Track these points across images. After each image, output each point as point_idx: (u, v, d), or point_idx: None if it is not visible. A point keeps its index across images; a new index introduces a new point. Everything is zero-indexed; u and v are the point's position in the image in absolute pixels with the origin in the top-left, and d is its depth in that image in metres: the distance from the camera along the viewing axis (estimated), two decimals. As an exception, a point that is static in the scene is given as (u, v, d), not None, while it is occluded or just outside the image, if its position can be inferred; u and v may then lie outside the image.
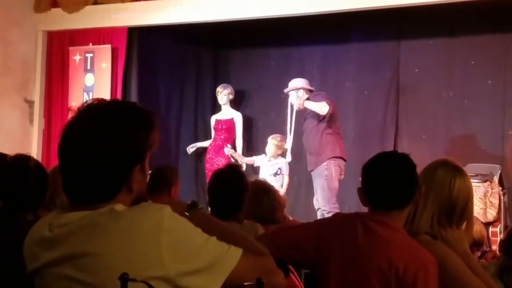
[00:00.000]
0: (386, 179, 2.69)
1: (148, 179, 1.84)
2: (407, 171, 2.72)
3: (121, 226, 1.66)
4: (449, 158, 3.09)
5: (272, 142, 8.18)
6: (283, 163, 8.19)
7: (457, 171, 2.94)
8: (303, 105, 7.70)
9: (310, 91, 7.88)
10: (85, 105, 1.80)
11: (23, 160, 3.21)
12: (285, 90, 7.97)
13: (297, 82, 7.96)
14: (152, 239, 1.64)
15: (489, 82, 8.16)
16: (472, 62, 8.26)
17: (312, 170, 7.72)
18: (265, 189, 4.24)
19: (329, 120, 7.57)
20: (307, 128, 7.76)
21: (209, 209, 3.67)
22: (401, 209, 2.71)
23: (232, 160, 8.57)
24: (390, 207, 2.69)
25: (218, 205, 3.59)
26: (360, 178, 2.79)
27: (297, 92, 7.86)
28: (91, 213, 1.69)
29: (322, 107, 7.51)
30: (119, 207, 1.70)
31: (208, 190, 3.72)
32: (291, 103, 7.94)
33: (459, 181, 2.89)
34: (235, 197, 3.60)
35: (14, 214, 2.99)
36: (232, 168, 3.98)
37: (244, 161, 8.54)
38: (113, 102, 1.88)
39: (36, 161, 3.30)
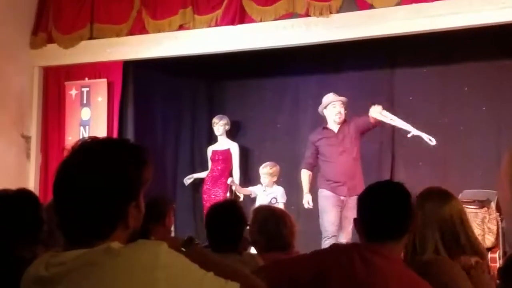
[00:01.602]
0: (381, 210, 2.69)
1: (143, 214, 1.85)
2: (402, 201, 2.72)
3: (117, 264, 1.66)
4: (433, 186, 3.13)
5: (264, 172, 8.18)
6: (279, 191, 8.20)
7: (443, 199, 2.97)
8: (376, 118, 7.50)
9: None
10: (78, 143, 1.82)
11: (18, 195, 3.21)
12: (333, 100, 7.85)
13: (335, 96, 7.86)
14: (149, 276, 1.65)
15: (484, 108, 8.20)
16: (466, 89, 8.31)
17: (348, 196, 7.45)
18: (282, 215, 4.21)
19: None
20: (347, 148, 7.64)
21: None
22: (398, 239, 2.71)
23: (233, 188, 8.59)
24: (387, 237, 2.68)
25: (216, 240, 3.59)
26: (356, 209, 2.81)
27: (342, 105, 7.75)
28: (88, 252, 1.70)
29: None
30: (115, 245, 1.71)
31: (205, 225, 3.73)
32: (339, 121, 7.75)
33: (449, 207, 2.93)
34: (232, 233, 3.61)
35: (11, 251, 2.98)
36: (229, 203, 3.99)
37: (242, 192, 8.56)
38: (105, 140, 1.89)
39: (32, 196, 3.29)
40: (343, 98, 7.80)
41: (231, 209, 3.74)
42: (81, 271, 1.68)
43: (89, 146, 1.81)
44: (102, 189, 1.72)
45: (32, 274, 1.79)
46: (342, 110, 7.73)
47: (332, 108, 7.77)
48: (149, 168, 1.82)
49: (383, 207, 2.69)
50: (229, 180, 8.68)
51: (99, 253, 1.69)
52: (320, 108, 7.92)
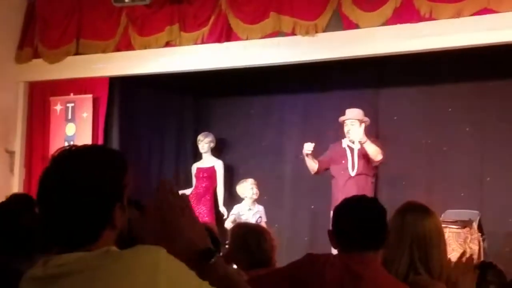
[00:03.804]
0: (362, 220, 2.74)
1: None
2: (380, 212, 2.78)
3: (117, 268, 1.68)
4: (414, 200, 3.15)
5: (251, 182, 8.19)
6: (262, 210, 8.21)
7: (425, 213, 2.99)
8: (362, 144, 7.55)
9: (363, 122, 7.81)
10: (58, 152, 1.84)
11: (12, 201, 3.15)
12: (344, 118, 7.82)
13: (361, 113, 7.82)
14: (149, 281, 1.66)
15: (467, 129, 8.26)
16: (450, 109, 8.37)
17: None
18: (262, 231, 4.22)
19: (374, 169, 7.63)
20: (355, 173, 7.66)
21: None
22: (377, 249, 2.74)
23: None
24: (369, 247, 2.72)
25: None
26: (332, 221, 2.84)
27: (360, 124, 7.75)
28: (87, 255, 1.71)
29: (378, 153, 7.51)
30: (114, 248, 1.73)
31: None
32: (349, 139, 7.75)
33: (428, 222, 2.95)
34: None
35: (8, 264, 2.88)
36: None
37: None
38: (84, 146, 1.91)
39: (28, 200, 3.22)
40: (356, 116, 7.80)
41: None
42: (81, 274, 1.69)
43: (69, 153, 1.83)
44: (87, 194, 1.74)
45: (29, 274, 1.80)
46: (353, 129, 7.72)
47: (345, 126, 7.82)
48: (129, 170, 1.85)
49: (364, 216, 2.74)
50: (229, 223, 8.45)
51: (98, 256, 1.70)
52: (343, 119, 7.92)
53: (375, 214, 2.78)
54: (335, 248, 2.83)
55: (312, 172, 7.95)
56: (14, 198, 3.20)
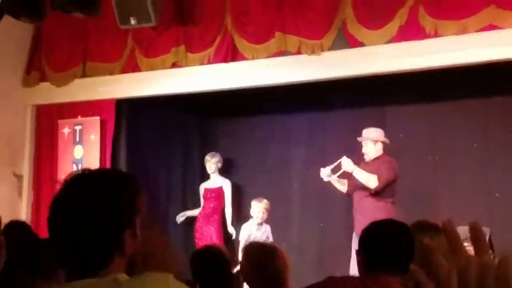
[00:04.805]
0: (385, 243, 2.73)
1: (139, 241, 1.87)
2: (411, 238, 2.78)
3: None
4: (424, 219, 3.14)
5: (262, 206, 8.12)
6: (269, 230, 8.17)
7: (436, 232, 2.98)
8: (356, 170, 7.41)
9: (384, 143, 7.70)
10: (70, 176, 1.84)
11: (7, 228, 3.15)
12: (361, 139, 7.74)
13: (378, 133, 7.73)
14: None
15: (475, 145, 8.25)
16: (456, 126, 8.36)
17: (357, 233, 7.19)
18: (275, 250, 4.18)
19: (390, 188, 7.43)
20: (363, 185, 7.50)
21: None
22: (403, 275, 2.73)
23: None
24: (393, 272, 2.71)
25: (206, 284, 3.60)
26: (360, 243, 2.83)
27: (375, 144, 7.64)
28: (94, 282, 1.71)
29: (370, 181, 7.29)
30: (122, 276, 1.73)
31: (192, 272, 3.77)
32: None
33: (439, 241, 2.94)
34: (220, 275, 3.66)
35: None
36: (211, 248, 4.05)
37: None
38: (97, 170, 1.92)
39: (24, 226, 3.23)
40: (372, 137, 7.69)
41: (214, 253, 3.78)
42: None
43: (81, 177, 1.83)
44: (96, 218, 1.74)
45: None
46: (368, 150, 7.63)
47: (363, 145, 7.73)
48: (141, 195, 1.85)
49: (388, 239, 2.73)
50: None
51: (106, 284, 1.70)
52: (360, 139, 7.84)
53: (403, 239, 2.77)
54: (359, 269, 2.82)
55: (344, 192, 7.84)
56: (9, 225, 3.20)
